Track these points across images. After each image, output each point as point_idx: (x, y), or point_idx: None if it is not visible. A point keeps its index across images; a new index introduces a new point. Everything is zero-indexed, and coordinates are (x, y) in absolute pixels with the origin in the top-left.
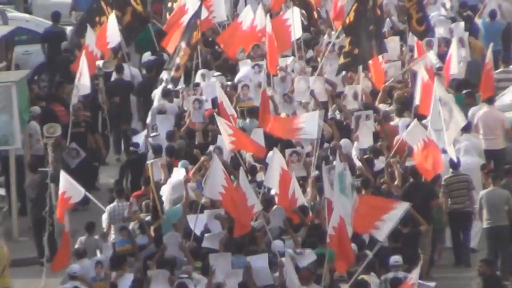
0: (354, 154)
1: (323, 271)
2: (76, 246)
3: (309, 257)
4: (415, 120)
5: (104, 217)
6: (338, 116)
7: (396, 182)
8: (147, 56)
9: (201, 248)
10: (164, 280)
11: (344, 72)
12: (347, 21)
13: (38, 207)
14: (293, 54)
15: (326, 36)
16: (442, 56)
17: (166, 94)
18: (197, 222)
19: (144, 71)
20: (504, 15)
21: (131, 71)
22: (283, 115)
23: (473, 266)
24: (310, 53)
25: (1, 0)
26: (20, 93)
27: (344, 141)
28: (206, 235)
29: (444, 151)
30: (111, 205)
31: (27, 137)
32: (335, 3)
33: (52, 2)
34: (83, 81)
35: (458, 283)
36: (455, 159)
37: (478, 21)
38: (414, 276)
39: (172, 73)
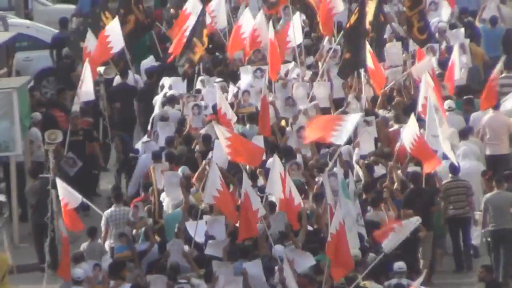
0: (355, 159)
1: (323, 278)
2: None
3: (308, 260)
4: (412, 115)
5: (102, 222)
6: None
7: (395, 187)
8: (146, 63)
9: (204, 255)
10: (163, 285)
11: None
12: (347, 25)
13: (38, 213)
14: (294, 60)
15: (326, 41)
16: (442, 63)
17: (170, 101)
18: (197, 229)
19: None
20: (503, 18)
21: (134, 77)
22: (283, 122)
23: (474, 271)
24: (311, 59)
25: (2, 6)
26: (21, 99)
27: (344, 148)
28: (209, 242)
29: (444, 157)
30: (109, 210)
31: (28, 143)
32: (323, 6)
33: (53, 8)
34: (85, 87)
35: None
36: (455, 162)
37: (479, 26)
38: (417, 283)
39: (185, 68)
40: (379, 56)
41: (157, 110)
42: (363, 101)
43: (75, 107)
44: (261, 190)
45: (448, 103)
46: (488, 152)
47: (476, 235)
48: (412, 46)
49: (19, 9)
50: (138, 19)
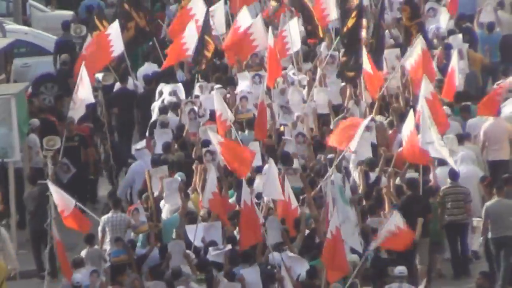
0: (352, 166)
1: (318, 282)
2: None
3: (304, 266)
4: (411, 110)
5: (99, 229)
6: None
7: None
8: (143, 70)
9: (203, 260)
10: None
11: (342, 84)
12: (345, 29)
13: (36, 220)
14: (292, 64)
15: (324, 47)
16: (441, 69)
17: (174, 107)
18: (196, 233)
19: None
20: (500, 22)
21: (134, 82)
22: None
23: (472, 278)
24: (308, 66)
25: (0, 13)
26: (19, 106)
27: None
28: (212, 253)
29: (442, 163)
30: (106, 216)
31: (27, 149)
32: (318, 12)
33: (51, 14)
34: (84, 91)
35: None
36: (454, 166)
37: (477, 31)
38: None
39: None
40: (378, 64)
41: (155, 117)
42: (363, 107)
43: (71, 113)
44: (258, 196)
45: (444, 109)
46: (489, 158)
47: (475, 241)
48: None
49: (17, 15)
50: (139, 25)
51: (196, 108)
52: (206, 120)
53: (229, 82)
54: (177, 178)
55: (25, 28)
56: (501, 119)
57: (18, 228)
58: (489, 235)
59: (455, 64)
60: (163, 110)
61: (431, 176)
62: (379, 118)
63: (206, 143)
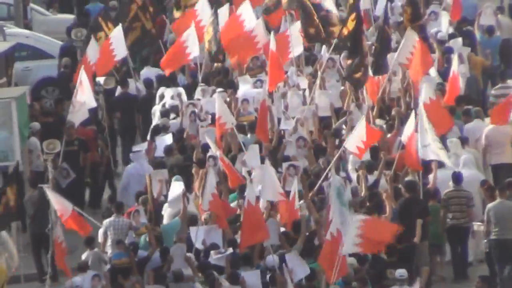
0: (350, 168)
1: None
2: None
3: (304, 269)
4: (412, 114)
5: (101, 232)
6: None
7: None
8: (144, 73)
9: (204, 262)
10: None
11: (342, 88)
12: (345, 32)
13: (36, 223)
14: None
15: (324, 50)
16: (441, 73)
17: (176, 111)
18: (197, 235)
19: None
20: (500, 25)
21: (137, 85)
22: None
23: (473, 281)
24: (309, 69)
25: (1, 16)
26: (19, 109)
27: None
28: (214, 256)
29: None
30: (108, 219)
31: (27, 153)
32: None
33: (52, 18)
34: (85, 95)
35: None
36: (451, 165)
37: (477, 34)
38: None
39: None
40: (381, 68)
41: (156, 121)
42: (365, 110)
43: (70, 117)
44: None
45: (447, 111)
46: (492, 162)
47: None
48: None
49: (18, 19)
50: (145, 26)
51: (197, 111)
52: (207, 124)
53: (230, 86)
54: (181, 183)
55: (26, 31)
56: None
57: (20, 232)
58: (491, 236)
59: (456, 68)
60: (164, 113)
61: (430, 178)
62: (379, 121)
63: (206, 147)
